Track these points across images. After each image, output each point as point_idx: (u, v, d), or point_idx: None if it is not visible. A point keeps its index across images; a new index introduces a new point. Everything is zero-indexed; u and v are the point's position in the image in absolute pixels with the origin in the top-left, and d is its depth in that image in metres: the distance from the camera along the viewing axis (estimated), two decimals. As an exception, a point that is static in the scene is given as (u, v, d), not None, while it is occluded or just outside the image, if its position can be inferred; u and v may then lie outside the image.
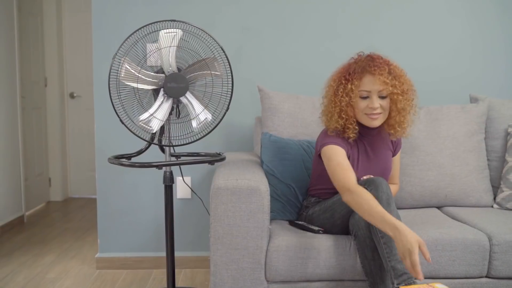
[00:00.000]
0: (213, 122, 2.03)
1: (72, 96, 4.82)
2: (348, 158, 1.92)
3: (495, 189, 2.43)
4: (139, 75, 1.89)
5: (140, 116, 1.90)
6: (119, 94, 1.93)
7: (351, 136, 1.91)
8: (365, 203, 1.62)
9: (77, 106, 4.85)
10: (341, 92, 1.89)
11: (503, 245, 1.90)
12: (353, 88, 1.86)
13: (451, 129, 2.40)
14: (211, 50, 1.99)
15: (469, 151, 2.38)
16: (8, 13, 3.69)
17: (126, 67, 1.87)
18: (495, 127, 2.48)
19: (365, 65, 1.86)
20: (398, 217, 1.73)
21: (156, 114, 1.90)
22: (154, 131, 1.93)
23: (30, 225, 3.80)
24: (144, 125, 1.89)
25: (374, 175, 1.98)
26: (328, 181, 1.89)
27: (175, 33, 1.90)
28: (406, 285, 1.60)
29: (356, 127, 1.91)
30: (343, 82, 1.89)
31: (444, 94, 2.78)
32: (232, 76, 2.01)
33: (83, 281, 2.61)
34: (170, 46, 1.89)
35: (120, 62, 1.87)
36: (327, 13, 2.73)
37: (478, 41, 2.77)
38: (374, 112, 1.86)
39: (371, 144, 2.01)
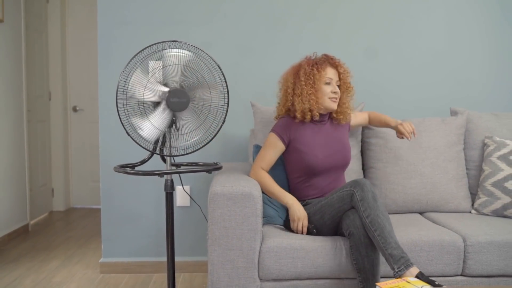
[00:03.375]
0: (211, 134, 2.19)
1: (75, 109, 4.98)
2: (295, 138, 2.25)
3: (473, 195, 2.60)
4: (147, 84, 2.04)
5: (141, 125, 2.06)
6: (125, 108, 2.09)
7: (316, 115, 2.23)
8: (267, 183, 2.19)
9: (80, 119, 5.00)
10: (304, 79, 2.21)
11: (476, 246, 2.07)
12: (319, 76, 2.20)
13: (432, 140, 2.57)
14: (209, 68, 2.13)
15: (448, 160, 2.55)
16: (16, 31, 3.86)
17: (137, 74, 2.03)
18: (473, 138, 2.65)
19: (326, 59, 2.25)
20: (384, 211, 1.94)
21: (154, 122, 2.06)
22: (148, 139, 2.06)
23: (35, 233, 3.95)
24: (140, 130, 2.04)
25: (332, 151, 2.26)
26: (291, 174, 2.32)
27: (181, 54, 2.07)
28: (405, 267, 1.80)
29: (319, 111, 2.25)
30: (308, 70, 2.21)
31: (427, 108, 2.96)
32: (228, 92, 2.15)
33: (87, 285, 2.76)
34: (175, 65, 2.06)
35: (128, 75, 2.04)
36: (317, 32, 2.92)
37: (459, 61, 2.97)
38: (336, 96, 2.22)
39: (327, 129, 2.31)
